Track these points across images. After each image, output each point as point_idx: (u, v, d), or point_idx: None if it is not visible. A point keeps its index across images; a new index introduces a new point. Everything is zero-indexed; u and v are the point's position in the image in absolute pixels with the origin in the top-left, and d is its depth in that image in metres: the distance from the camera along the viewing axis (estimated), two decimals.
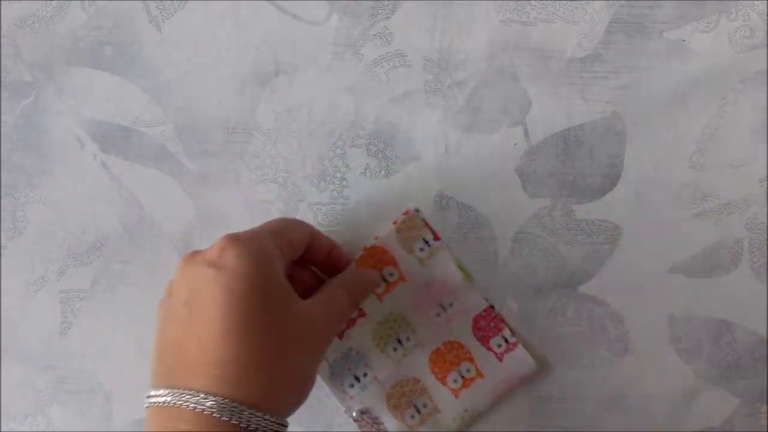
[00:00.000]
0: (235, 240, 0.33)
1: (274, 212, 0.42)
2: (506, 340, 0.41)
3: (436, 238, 0.40)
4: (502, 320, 0.41)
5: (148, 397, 0.32)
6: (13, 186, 0.43)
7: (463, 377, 0.41)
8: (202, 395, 0.30)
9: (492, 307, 0.41)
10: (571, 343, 0.42)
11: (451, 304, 0.41)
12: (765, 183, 0.41)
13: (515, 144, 0.42)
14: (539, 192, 0.42)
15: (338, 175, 0.42)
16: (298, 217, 0.42)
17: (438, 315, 0.41)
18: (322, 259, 0.39)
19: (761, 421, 0.42)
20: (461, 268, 0.41)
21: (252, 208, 0.43)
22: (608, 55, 0.41)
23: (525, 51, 0.41)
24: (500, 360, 0.41)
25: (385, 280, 0.40)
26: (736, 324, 0.41)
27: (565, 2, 0.41)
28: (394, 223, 0.41)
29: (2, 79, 0.43)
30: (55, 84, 0.43)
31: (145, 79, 0.43)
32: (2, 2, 0.43)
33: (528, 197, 0.42)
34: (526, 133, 0.42)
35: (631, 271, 0.41)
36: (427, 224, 0.40)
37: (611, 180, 0.41)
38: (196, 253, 0.34)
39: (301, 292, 0.35)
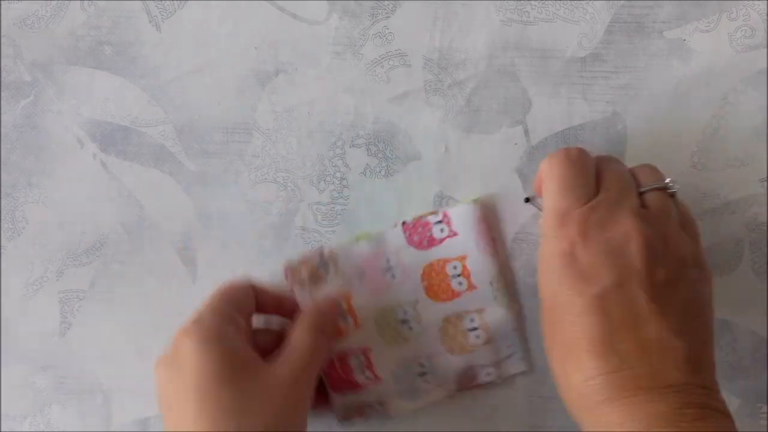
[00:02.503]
0: (182, 332, 0.35)
1: (274, 212, 0.42)
2: (439, 222, 0.41)
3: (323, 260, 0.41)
4: (421, 219, 0.41)
5: None
6: (13, 186, 0.43)
7: (461, 277, 0.41)
8: None
9: (404, 222, 0.41)
10: None
11: (388, 260, 0.41)
12: (765, 183, 0.41)
13: (515, 144, 0.42)
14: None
15: (338, 175, 0.42)
16: (298, 217, 0.42)
17: (393, 276, 0.41)
18: (274, 309, 0.40)
19: (761, 421, 0.42)
20: (360, 238, 0.41)
21: (252, 208, 0.43)
22: (608, 55, 0.41)
23: (525, 51, 0.41)
24: (456, 234, 0.41)
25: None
26: (736, 324, 0.41)
27: (565, 2, 0.41)
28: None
29: (2, 79, 0.43)
30: (55, 84, 0.43)
31: (144, 78, 0.43)
32: (2, 2, 0.43)
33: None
34: (526, 133, 0.42)
35: None
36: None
37: None
38: (162, 357, 0.36)
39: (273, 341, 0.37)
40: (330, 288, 0.40)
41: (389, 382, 0.41)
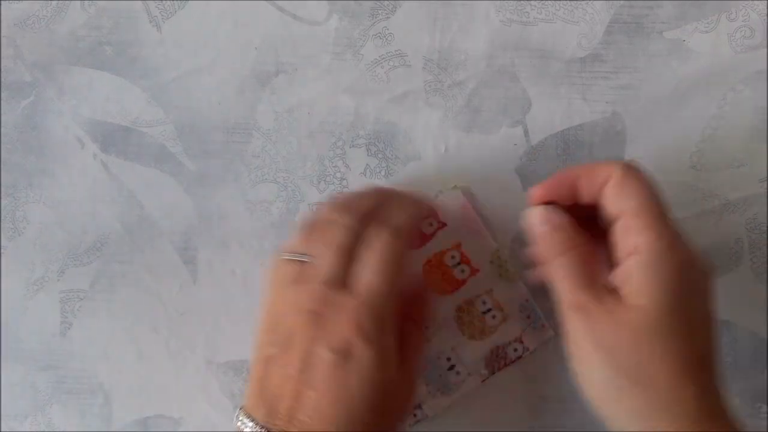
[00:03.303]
0: (365, 337, 0.32)
1: (274, 212, 0.42)
2: (425, 217, 0.41)
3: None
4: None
5: (240, 421, 0.33)
6: (13, 186, 0.43)
7: (461, 264, 0.41)
8: None
9: None
10: None
11: None
12: (765, 183, 0.41)
13: (515, 144, 0.42)
14: None
15: (338, 175, 0.42)
16: (298, 217, 0.42)
17: None
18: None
19: (761, 421, 0.42)
20: None
21: (252, 208, 0.43)
22: (608, 55, 0.41)
23: (525, 51, 0.41)
24: (444, 225, 0.41)
25: None
26: (736, 324, 0.41)
27: (565, 2, 0.41)
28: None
29: (2, 79, 0.43)
30: (56, 84, 0.43)
31: (145, 79, 0.43)
32: (2, 2, 0.43)
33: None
34: (526, 133, 0.42)
35: None
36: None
37: None
38: (316, 323, 0.33)
39: None
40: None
41: (419, 385, 0.41)
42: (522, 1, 0.41)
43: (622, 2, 0.41)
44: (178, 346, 0.43)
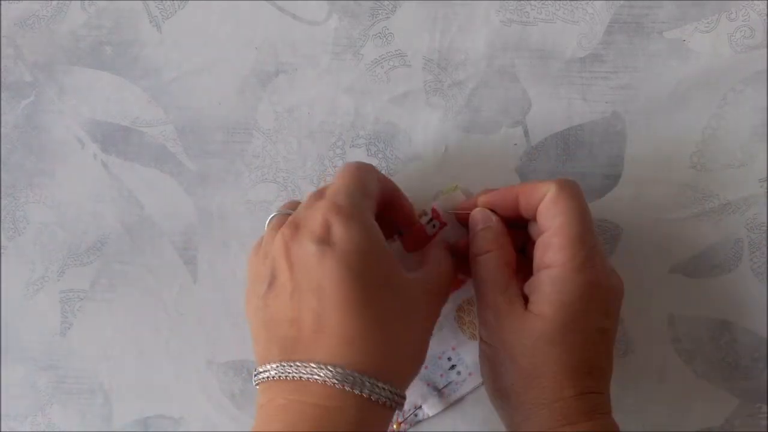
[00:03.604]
0: (339, 212, 0.32)
1: (275, 212, 0.42)
2: (431, 220, 0.40)
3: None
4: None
5: (259, 373, 0.32)
6: (13, 186, 0.43)
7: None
8: (323, 367, 0.30)
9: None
10: None
11: None
12: (765, 183, 0.41)
13: (515, 144, 0.42)
14: None
15: None
16: None
17: None
18: (385, 200, 0.38)
19: (761, 421, 0.42)
20: None
21: (252, 208, 0.43)
22: (608, 55, 0.41)
23: (525, 51, 0.42)
24: (445, 224, 0.41)
25: None
26: (736, 324, 0.41)
27: (565, 2, 0.41)
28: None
29: (2, 79, 0.43)
30: (56, 84, 0.43)
31: (145, 79, 0.43)
32: (2, 2, 0.43)
33: None
34: (526, 133, 0.42)
35: (631, 271, 0.41)
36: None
37: (611, 180, 0.41)
38: (296, 228, 0.33)
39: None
40: None
41: (420, 385, 0.41)
42: (522, 1, 0.41)
43: (622, 2, 0.41)
44: (178, 346, 0.43)
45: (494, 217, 0.37)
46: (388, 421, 0.33)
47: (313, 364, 0.31)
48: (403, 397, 0.33)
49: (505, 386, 0.35)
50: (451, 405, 0.42)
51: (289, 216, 0.34)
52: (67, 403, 0.44)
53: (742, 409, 0.42)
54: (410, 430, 0.42)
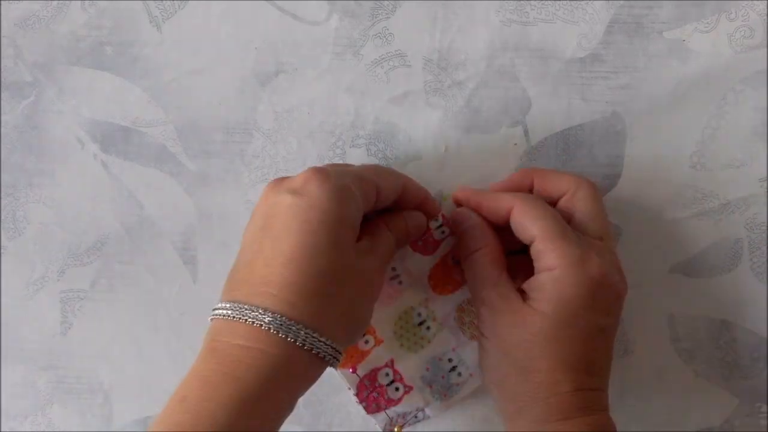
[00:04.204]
0: (321, 172, 0.34)
1: None
2: (440, 226, 0.41)
3: None
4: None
5: (213, 310, 0.33)
6: (13, 186, 0.43)
7: (462, 271, 0.41)
8: (260, 311, 0.31)
9: None
10: None
11: (394, 269, 0.41)
12: (765, 183, 0.41)
13: (515, 144, 0.42)
14: None
15: None
16: None
17: (400, 283, 0.41)
18: (413, 208, 0.39)
19: (761, 421, 0.42)
20: None
21: (252, 208, 0.42)
22: (608, 55, 0.41)
23: (525, 51, 0.42)
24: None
25: None
26: (736, 324, 0.41)
27: (565, 2, 0.41)
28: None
29: (2, 80, 0.43)
30: (56, 84, 0.43)
31: (145, 79, 0.43)
32: (2, 2, 0.43)
33: None
34: (526, 133, 0.42)
35: (631, 271, 0.41)
36: None
37: (611, 180, 0.41)
38: (281, 180, 0.35)
39: None
40: None
41: (422, 388, 0.41)
42: (522, 1, 0.41)
43: (622, 2, 0.41)
44: (178, 346, 0.43)
45: (475, 216, 0.38)
46: (321, 371, 0.33)
47: (249, 308, 0.31)
48: (340, 353, 0.33)
49: (500, 378, 0.36)
50: (452, 406, 0.42)
51: None
52: (67, 403, 0.44)
53: (742, 409, 0.42)
54: (409, 429, 0.42)
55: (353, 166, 0.37)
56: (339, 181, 0.34)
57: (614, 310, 0.36)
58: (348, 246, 0.33)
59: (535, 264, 0.36)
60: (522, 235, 0.37)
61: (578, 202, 0.37)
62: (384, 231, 0.37)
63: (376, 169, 0.37)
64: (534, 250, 0.36)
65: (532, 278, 0.36)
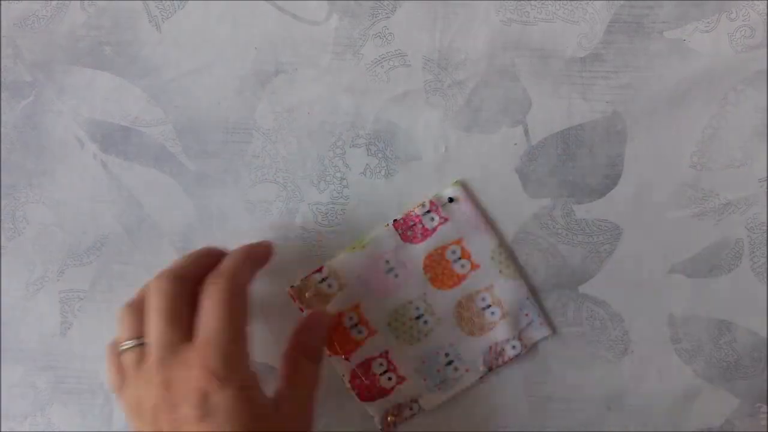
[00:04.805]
0: (215, 379, 0.32)
1: (274, 212, 0.42)
2: (428, 212, 0.41)
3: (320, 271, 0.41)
4: (410, 213, 0.41)
5: None
6: (13, 186, 0.43)
7: (462, 259, 0.41)
8: None
9: (394, 220, 0.41)
10: (572, 343, 0.42)
11: (387, 262, 0.41)
12: (765, 183, 0.41)
13: (515, 144, 0.42)
14: (539, 192, 0.42)
15: (338, 175, 0.42)
16: (298, 217, 0.42)
17: (396, 276, 0.41)
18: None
19: (761, 421, 0.42)
20: (355, 247, 0.41)
21: (252, 208, 0.43)
22: (608, 55, 0.41)
23: (525, 51, 0.41)
24: (447, 219, 0.41)
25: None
26: (736, 324, 0.41)
27: (565, 2, 0.41)
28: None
29: (2, 79, 0.43)
30: (55, 84, 0.43)
31: (145, 79, 0.43)
32: (2, 2, 0.43)
33: (528, 197, 0.42)
34: (526, 133, 0.42)
35: (631, 271, 0.42)
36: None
37: (611, 180, 0.41)
38: (166, 389, 0.33)
39: None
40: (338, 302, 0.41)
41: (416, 380, 0.41)
42: (522, 1, 0.41)
43: (622, 2, 0.41)
44: None
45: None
46: None
47: None
48: None
49: None
50: (448, 401, 0.42)
51: (140, 347, 0.35)
52: (67, 403, 0.44)
53: (742, 409, 0.42)
54: (405, 424, 0.42)
55: (213, 324, 0.34)
56: (234, 378, 0.33)
57: None
58: (266, 422, 0.33)
59: None
60: None
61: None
62: (302, 366, 0.37)
63: (239, 275, 0.36)
64: None
65: None
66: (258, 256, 0.39)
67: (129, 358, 0.35)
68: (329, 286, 0.41)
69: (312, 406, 0.37)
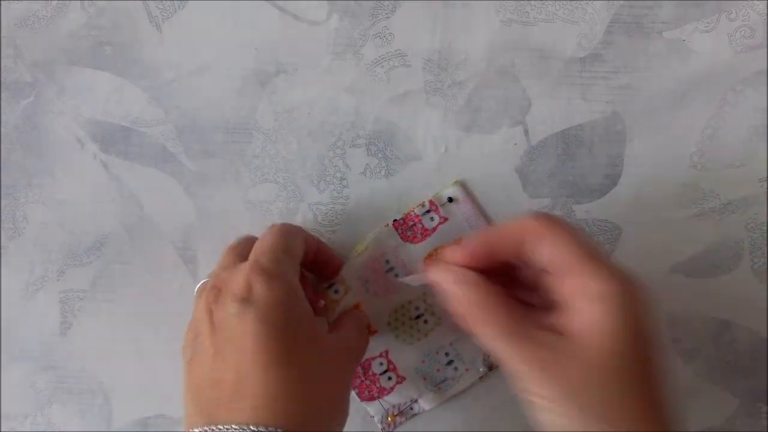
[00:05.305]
0: (262, 272, 0.33)
1: (274, 212, 0.42)
2: (428, 212, 0.41)
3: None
4: (409, 213, 0.41)
5: None
6: (13, 186, 0.43)
7: None
8: (244, 427, 0.30)
9: (394, 220, 0.41)
10: None
11: (387, 261, 0.41)
12: (765, 183, 0.41)
13: (515, 144, 0.42)
14: (539, 192, 0.42)
15: (338, 175, 0.42)
16: (299, 217, 0.42)
17: (396, 276, 0.41)
18: (312, 258, 0.39)
19: (761, 421, 0.42)
20: (357, 249, 0.41)
21: (252, 208, 0.43)
22: (608, 55, 0.41)
23: (525, 51, 0.41)
24: (447, 219, 0.41)
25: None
26: (736, 324, 0.41)
27: (565, 2, 0.41)
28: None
29: (2, 79, 0.43)
30: (55, 84, 0.43)
31: (145, 79, 0.43)
32: (2, 2, 0.43)
33: (528, 197, 0.42)
34: (526, 133, 0.42)
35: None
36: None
37: (611, 180, 0.41)
38: (217, 291, 0.34)
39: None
40: (343, 305, 0.41)
41: (416, 379, 0.41)
42: (522, 1, 0.41)
43: (622, 2, 0.41)
44: (178, 346, 0.43)
45: (470, 274, 0.32)
46: None
47: (234, 426, 0.30)
48: None
49: None
50: (449, 401, 0.42)
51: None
52: (67, 403, 0.44)
53: (742, 409, 0.42)
54: (406, 424, 0.42)
55: (273, 241, 0.35)
56: (280, 276, 0.33)
57: (656, 322, 0.30)
58: (314, 334, 0.33)
59: (568, 292, 0.30)
60: (553, 262, 0.30)
61: (548, 235, 0.31)
62: (347, 318, 0.38)
63: (288, 236, 0.36)
64: (569, 279, 0.30)
65: (570, 313, 0.30)
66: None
67: (200, 290, 0.36)
68: (336, 291, 0.41)
69: (357, 362, 0.37)
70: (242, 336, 0.32)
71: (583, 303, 0.29)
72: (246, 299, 0.32)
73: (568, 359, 0.29)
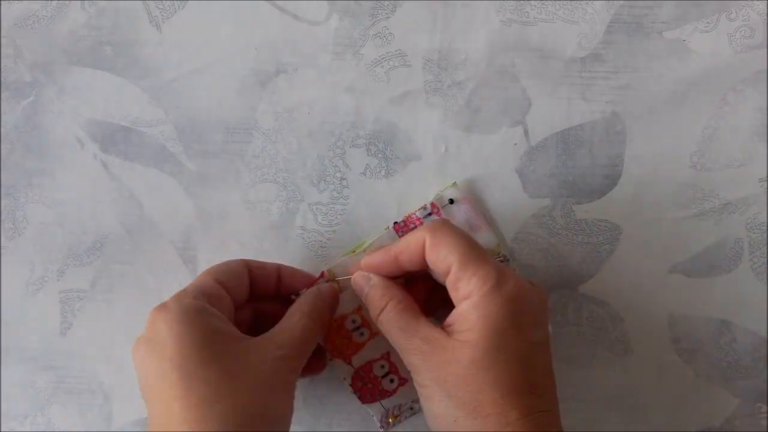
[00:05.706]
0: (159, 309, 0.34)
1: (274, 212, 0.43)
2: (429, 214, 0.41)
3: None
4: (410, 216, 0.41)
5: None
6: (13, 186, 0.43)
7: None
8: None
9: (395, 223, 0.41)
10: (572, 343, 0.42)
11: None
12: (765, 183, 0.41)
13: (515, 144, 0.42)
14: (539, 192, 0.42)
15: (338, 175, 0.42)
16: (298, 216, 0.42)
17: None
18: (275, 284, 0.39)
19: (761, 421, 0.42)
20: (357, 249, 0.41)
21: (252, 208, 0.43)
22: (608, 55, 0.41)
23: (525, 51, 0.42)
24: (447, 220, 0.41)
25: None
26: (736, 324, 0.41)
27: (565, 2, 0.41)
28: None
29: (2, 79, 0.43)
30: (55, 84, 0.43)
31: (145, 79, 0.43)
32: (2, 2, 0.43)
33: (528, 197, 0.42)
34: (526, 133, 0.42)
35: (631, 271, 0.42)
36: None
37: (611, 180, 0.41)
38: (139, 336, 0.35)
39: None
40: (340, 305, 0.41)
41: None
42: (522, 1, 0.41)
43: (622, 2, 0.41)
44: None
45: (373, 276, 0.38)
46: None
47: None
48: None
49: (449, 423, 0.34)
50: None
51: None
52: (67, 403, 0.44)
53: (742, 409, 0.42)
54: (405, 423, 0.42)
55: (193, 282, 0.36)
56: (175, 306, 0.34)
57: (542, 321, 0.35)
58: (225, 349, 0.33)
59: (454, 295, 0.35)
60: (440, 269, 0.35)
61: (441, 246, 0.35)
62: (286, 316, 0.37)
63: (213, 270, 0.37)
64: (450, 282, 0.35)
65: (453, 311, 0.34)
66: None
67: None
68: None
69: (295, 360, 0.36)
70: (147, 375, 0.34)
71: (459, 302, 0.34)
72: (149, 339, 0.34)
73: (441, 351, 0.33)
